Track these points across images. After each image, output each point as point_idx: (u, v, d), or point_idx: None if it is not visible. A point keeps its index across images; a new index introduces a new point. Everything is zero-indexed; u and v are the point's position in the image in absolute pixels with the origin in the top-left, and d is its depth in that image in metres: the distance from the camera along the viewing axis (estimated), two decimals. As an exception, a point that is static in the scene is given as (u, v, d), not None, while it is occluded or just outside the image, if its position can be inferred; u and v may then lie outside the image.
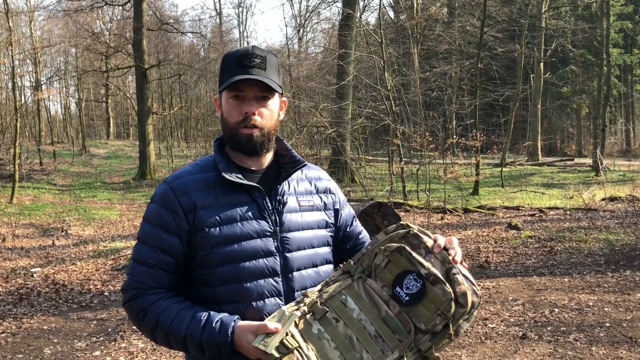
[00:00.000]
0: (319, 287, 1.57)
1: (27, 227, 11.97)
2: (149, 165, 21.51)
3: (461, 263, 1.55)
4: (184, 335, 1.52)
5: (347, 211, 1.85)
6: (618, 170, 21.01)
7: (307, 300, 1.52)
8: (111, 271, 8.03)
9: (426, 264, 1.49)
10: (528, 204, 12.97)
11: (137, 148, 24.47)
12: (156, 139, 27.92)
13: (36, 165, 23.60)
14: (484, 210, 11.99)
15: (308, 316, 1.48)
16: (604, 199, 13.09)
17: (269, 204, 1.65)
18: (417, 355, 1.46)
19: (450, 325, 1.47)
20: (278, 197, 1.66)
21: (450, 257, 1.53)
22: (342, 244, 1.82)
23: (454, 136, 15.27)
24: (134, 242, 9.90)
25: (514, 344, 4.67)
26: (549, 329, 4.97)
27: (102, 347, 5.05)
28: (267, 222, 1.63)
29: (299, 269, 1.65)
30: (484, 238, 9.32)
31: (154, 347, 4.91)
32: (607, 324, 5.00)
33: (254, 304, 1.57)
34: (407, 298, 1.48)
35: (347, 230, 1.83)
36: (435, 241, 1.55)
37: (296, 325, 1.46)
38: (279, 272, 1.61)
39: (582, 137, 35.72)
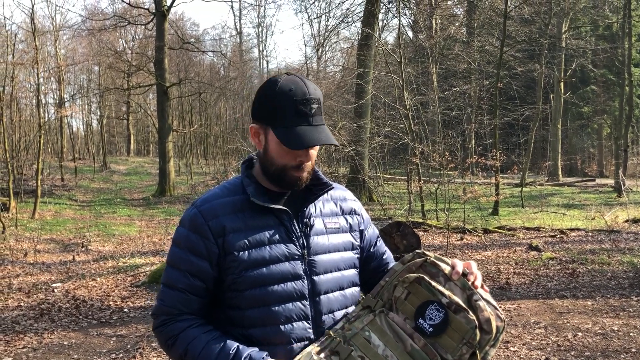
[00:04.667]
0: (340, 324, 1.56)
1: (49, 242, 12.11)
2: (169, 182, 21.69)
3: (482, 287, 1.53)
4: None
5: (372, 231, 1.84)
6: (641, 191, 20.68)
7: (331, 340, 1.49)
8: (130, 287, 8.07)
9: (447, 292, 1.48)
10: (549, 225, 12.80)
11: (157, 165, 24.70)
12: (176, 156, 28.16)
13: (58, 181, 23.91)
14: (504, 231, 11.86)
15: (333, 357, 1.46)
16: (626, 221, 12.88)
17: (297, 227, 1.64)
18: None
19: (478, 353, 1.44)
20: (305, 220, 1.65)
21: (470, 283, 1.51)
22: (366, 264, 1.80)
23: (474, 155, 15.20)
24: (153, 259, 9.97)
25: (537, 368, 4.58)
26: (572, 353, 4.87)
27: (121, 364, 5.06)
28: (295, 245, 1.62)
29: (326, 292, 1.63)
30: (504, 259, 9.21)
31: (173, 364, 4.90)
32: (633, 350, 4.89)
33: (282, 327, 1.56)
34: (430, 329, 1.46)
35: (371, 250, 1.82)
36: (453, 267, 1.53)
37: None
38: (307, 296, 1.60)
39: (603, 158, 35.29)
